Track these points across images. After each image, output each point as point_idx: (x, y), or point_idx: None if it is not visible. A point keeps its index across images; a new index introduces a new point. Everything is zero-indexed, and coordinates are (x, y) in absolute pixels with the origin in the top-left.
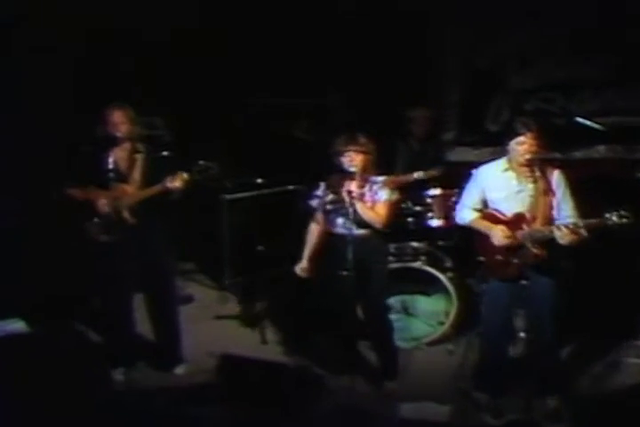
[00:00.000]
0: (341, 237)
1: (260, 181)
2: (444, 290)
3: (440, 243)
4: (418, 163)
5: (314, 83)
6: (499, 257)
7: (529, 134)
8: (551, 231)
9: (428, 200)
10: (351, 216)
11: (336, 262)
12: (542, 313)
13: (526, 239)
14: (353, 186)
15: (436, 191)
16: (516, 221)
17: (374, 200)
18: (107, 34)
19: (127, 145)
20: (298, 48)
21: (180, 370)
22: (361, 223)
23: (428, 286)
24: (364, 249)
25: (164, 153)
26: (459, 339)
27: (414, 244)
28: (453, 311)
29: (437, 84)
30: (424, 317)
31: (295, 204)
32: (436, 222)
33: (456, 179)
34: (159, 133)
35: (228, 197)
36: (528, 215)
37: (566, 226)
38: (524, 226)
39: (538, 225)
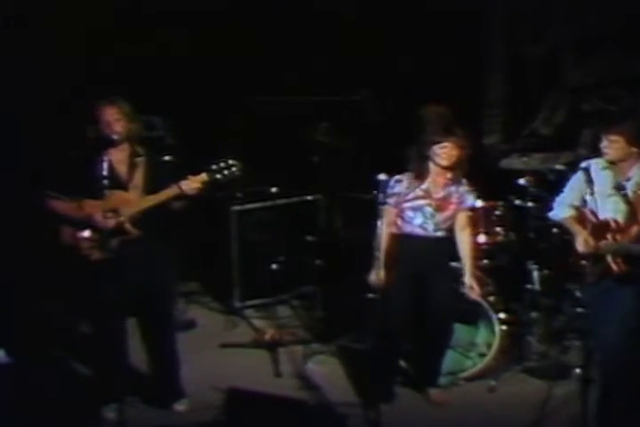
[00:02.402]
0: (418, 238)
1: (273, 190)
2: (486, 317)
3: (481, 263)
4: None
5: (335, 78)
6: (583, 262)
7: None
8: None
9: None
10: (437, 216)
11: (407, 267)
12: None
13: (607, 251)
14: (443, 182)
15: (478, 203)
16: (601, 228)
17: (459, 203)
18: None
19: (125, 146)
20: (317, 40)
21: (179, 406)
22: (441, 225)
23: (466, 312)
24: (439, 252)
25: (166, 158)
26: (502, 374)
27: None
28: (496, 342)
29: (477, 78)
30: (461, 348)
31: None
32: (476, 239)
33: (500, 189)
34: (159, 135)
35: (238, 208)
36: (619, 223)
37: None
38: (609, 235)
39: (629, 237)
